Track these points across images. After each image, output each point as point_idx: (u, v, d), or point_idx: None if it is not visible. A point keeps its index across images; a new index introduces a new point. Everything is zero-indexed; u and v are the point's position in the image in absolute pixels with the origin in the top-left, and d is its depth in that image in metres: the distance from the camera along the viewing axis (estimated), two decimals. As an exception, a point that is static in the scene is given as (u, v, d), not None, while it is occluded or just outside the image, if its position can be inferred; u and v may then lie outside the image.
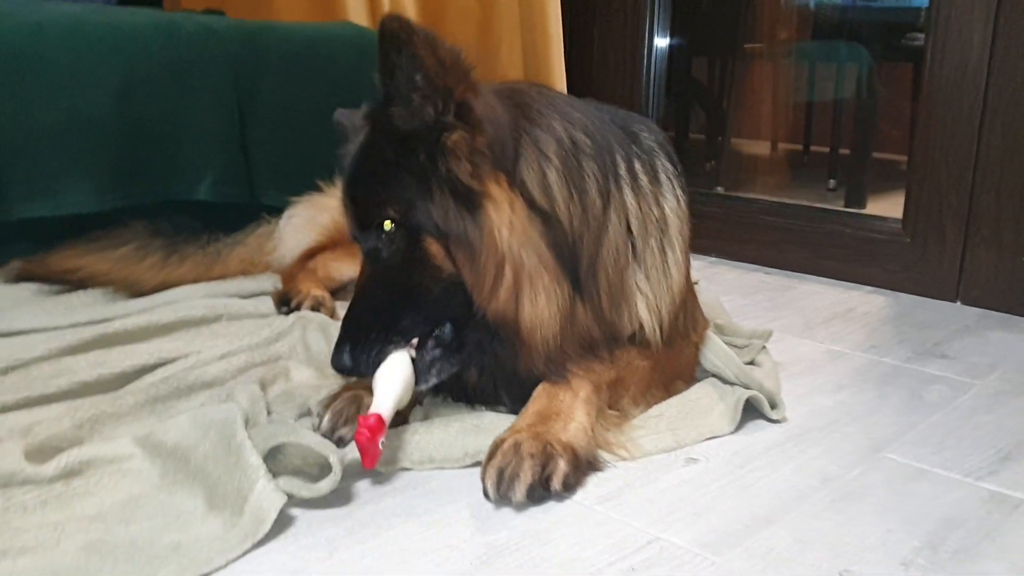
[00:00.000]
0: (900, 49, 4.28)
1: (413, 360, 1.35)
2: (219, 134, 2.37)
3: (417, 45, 1.23)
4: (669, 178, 1.56)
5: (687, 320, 1.62)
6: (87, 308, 1.97)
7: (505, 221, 1.30)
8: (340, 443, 1.36)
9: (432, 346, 1.38)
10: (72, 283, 2.09)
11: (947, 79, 2.45)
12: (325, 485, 1.20)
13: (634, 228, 1.48)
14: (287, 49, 2.53)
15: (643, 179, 1.52)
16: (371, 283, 1.38)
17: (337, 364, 1.34)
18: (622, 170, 1.48)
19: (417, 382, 1.36)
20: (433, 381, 1.40)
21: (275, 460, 1.24)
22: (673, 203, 1.54)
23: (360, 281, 1.41)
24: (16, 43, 2.08)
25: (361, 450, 1.21)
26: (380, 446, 1.23)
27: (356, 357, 1.32)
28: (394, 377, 1.31)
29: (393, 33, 1.22)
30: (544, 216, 1.34)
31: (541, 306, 1.34)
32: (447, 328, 1.38)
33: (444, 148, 1.29)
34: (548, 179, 1.36)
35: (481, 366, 1.43)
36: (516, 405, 1.43)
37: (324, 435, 1.37)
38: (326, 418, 1.40)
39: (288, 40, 2.54)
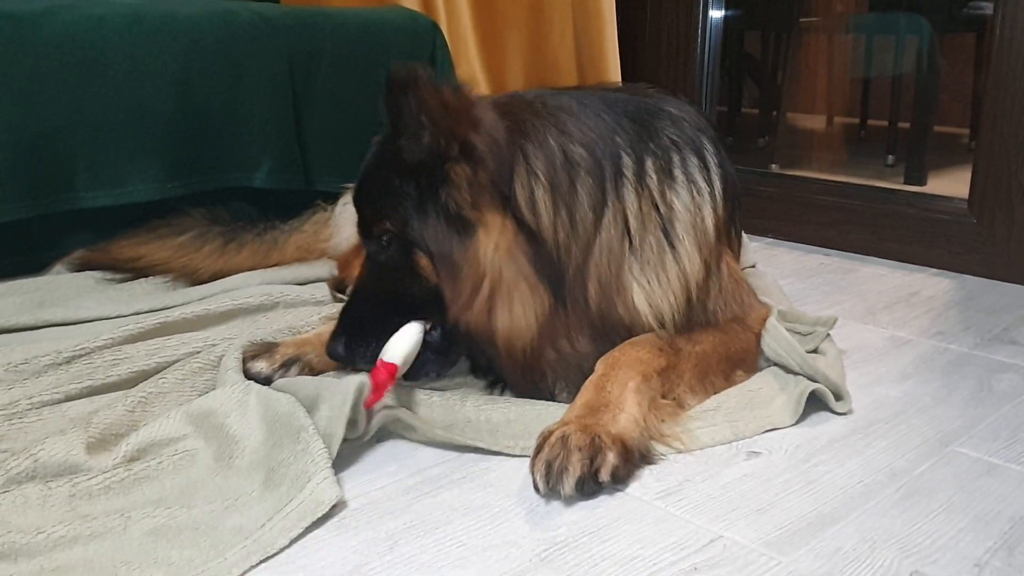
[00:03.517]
0: (962, 18, 4.14)
1: (425, 334, 1.47)
2: (275, 121, 2.38)
3: (422, 90, 1.33)
4: (688, 174, 1.56)
5: (726, 304, 1.61)
6: (149, 296, 2.00)
7: (492, 244, 1.39)
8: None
9: (423, 349, 1.47)
10: (133, 271, 2.13)
11: (1016, 50, 2.36)
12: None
13: (632, 227, 1.50)
14: (340, 35, 2.53)
15: (652, 178, 1.52)
16: (368, 282, 1.52)
17: (331, 351, 1.50)
18: (629, 172, 1.50)
19: (407, 378, 1.47)
20: (423, 380, 1.52)
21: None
22: (686, 198, 1.54)
23: (360, 276, 1.55)
24: (80, 37, 2.11)
25: (374, 386, 1.36)
26: (385, 393, 1.38)
27: (350, 348, 1.48)
28: (405, 342, 1.43)
29: (401, 79, 1.33)
30: (529, 233, 1.41)
31: (517, 315, 1.42)
32: (437, 333, 1.48)
33: (446, 178, 1.38)
34: (535, 196, 1.42)
35: (478, 367, 1.58)
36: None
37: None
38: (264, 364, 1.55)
39: (341, 27, 2.55)
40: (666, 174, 1.54)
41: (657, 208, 1.51)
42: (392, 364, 1.39)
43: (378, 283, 1.50)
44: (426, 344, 1.48)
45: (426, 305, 1.45)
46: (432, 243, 1.40)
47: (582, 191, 1.45)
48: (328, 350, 1.50)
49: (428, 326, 1.47)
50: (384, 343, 1.43)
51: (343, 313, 1.52)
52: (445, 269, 1.41)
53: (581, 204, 1.45)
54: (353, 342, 1.48)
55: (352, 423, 1.32)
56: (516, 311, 1.41)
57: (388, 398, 1.41)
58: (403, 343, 1.42)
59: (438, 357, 1.51)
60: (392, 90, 1.34)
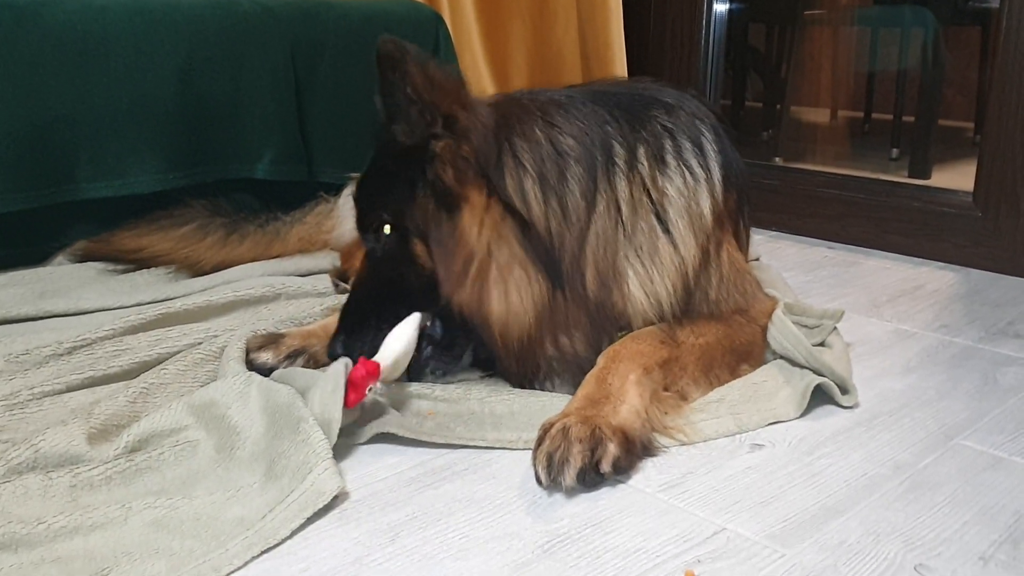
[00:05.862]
0: (968, 12, 4.12)
1: (422, 329, 1.46)
2: (277, 112, 2.37)
3: (408, 63, 1.35)
4: (680, 158, 1.56)
5: (728, 294, 1.60)
6: (150, 287, 2.00)
7: (477, 220, 1.40)
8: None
9: (425, 344, 1.49)
10: (135, 262, 2.12)
11: (1022, 44, 2.34)
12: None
13: (624, 214, 1.50)
14: (343, 26, 2.52)
15: (643, 164, 1.53)
16: (367, 278, 1.53)
17: (330, 351, 1.51)
18: (620, 160, 1.51)
19: (411, 377, 1.49)
20: (429, 379, 1.53)
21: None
22: (679, 183, 1.54)
23: (359, 273, 1.56)
24: (82, 27, 2.10)
25: (351, 384, 1.32)
26: (367, 391, 1.34)
27: (349, 345, 1.47)
28: (399, 340, 1.41)
29: (388, 54, 1.34)
30: (520, 220, 1.42)
31: (514, 299, 1.42)
32: (437, 325, 1.49)
33: (432, 154, 1.39)
34: (524, 187, 1.43)
35: (479, 361, 1.56)
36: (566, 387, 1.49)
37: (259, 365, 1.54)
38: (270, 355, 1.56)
39: (344, 17, 2.54)
40: (657, 160, 1.54)
41: (649, 194, 1.51)
42: (373, 362, 1.36)
43: (376, 277, 1.51)
44: (427, 338, 1.48)
45: (424, 294, 1.45)
46: (423, 223, 1.42)
47: (572, 180, 1.46)
48: (328, 350, 1.52)
49: (428, 320, 1.47)
50: (384, 337, 1.42)
51: (343, 313, 1.54)
52: (436, 249, 1.42)
53: (572, 193, 1.45)
54: (351, 339, 1.48)
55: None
56: (512, 296, 1.41)
57: (383, 400, 1.41)
58: (396, 341, 1.41)
59: (441, 352, 1.51)
60: (382, 66, 1.35)
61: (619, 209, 1.49)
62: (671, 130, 1.57)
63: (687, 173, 1.55)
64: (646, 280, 1.50)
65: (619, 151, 1.51)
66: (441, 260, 1.42)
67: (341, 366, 1.34)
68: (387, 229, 1.46)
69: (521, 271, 1.41)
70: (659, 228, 1.51)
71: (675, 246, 1.51)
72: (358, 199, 1.54)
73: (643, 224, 1.50)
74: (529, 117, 1.48)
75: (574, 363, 1.49)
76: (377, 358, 1.38)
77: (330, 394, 1.30)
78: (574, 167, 1.46)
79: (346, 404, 1.31)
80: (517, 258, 1.41)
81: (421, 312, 1.46)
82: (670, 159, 1.55)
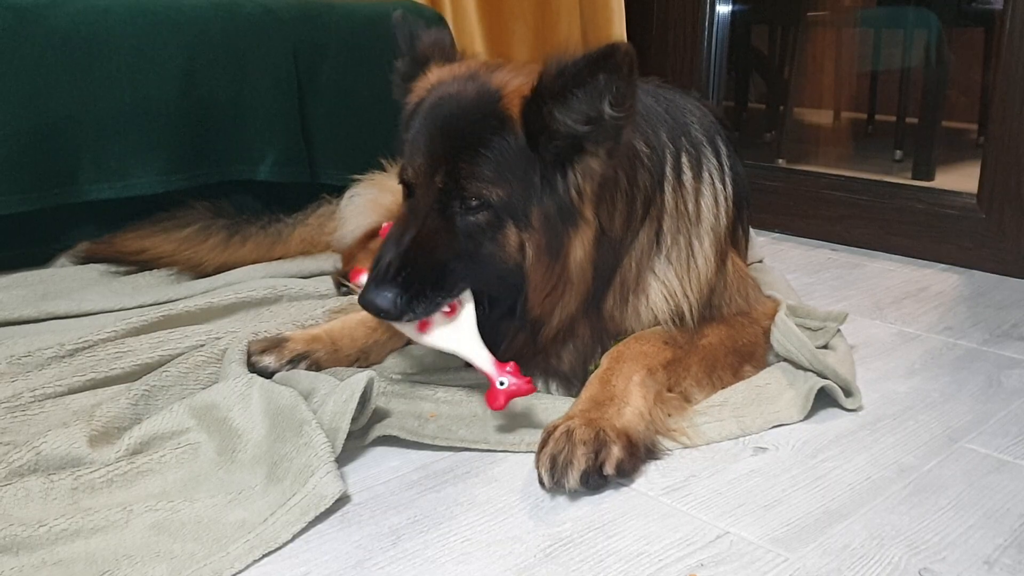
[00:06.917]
0: (971, 13, 4.11)
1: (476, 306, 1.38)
2: (279, 114, 2.38)
3: (631, 83, 1.27)
4: (711, 173, 1.57)
5: (731, 299, 1.61)
6: (153, 289, 2.00)
7: (584, 244, 1.37)
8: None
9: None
10: (138, 264, 2.12)
11: (1027, 45, 2.34)
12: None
13: (665, 225, 1.50)
14: (346, 28, 2.52)
15: (687, 175, 1.54)
16: (425, 236, 1.34)
17: (377, 303, 1.29)
18: (668, 168, 1.50)
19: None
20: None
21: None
22: (710, 200, 1.55)
23: (407, 227, 1.35)
24: (84, 29, 2.11)
25: (520, 394, 1.31)
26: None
27: (406, 307, 1.30)
28: (475, 332, 1.36)
29: (621, 61, 1.24)
30: (604, 237, 1.40)
31: (558, 313, 1.42)
32: (485, 304, 1.39)
33: (583, 165, 1.34)
34: (616, 199, 1.41)
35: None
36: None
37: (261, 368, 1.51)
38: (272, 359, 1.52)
39: (347, 19, 2.54)
40: (697, 174, 1.54)
41: (687, 206, 1.52)
42: (527, 377, 1.32)
43: (443, 242, 1.34)
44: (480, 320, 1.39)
45: (494, 279, 1.37)
46: (537, 223, 1.33)
47: (639, 190, 1.44)
48: (375, 301, 1.29)
49: (477, 301, 1.38)
50: (429, 304, 1.31)
51: (398, 262, 1.32)
52: (538, 254, 1.35)
53: (637, 201, 1.44)
54: (413, 301, 1.30)
55: (354, 419, 1.31)
56: (559, 311, 1.42)
57: (382, 401, 1.41)
58: (472, 331, 1.35)
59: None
60: (601, 63, 1.25)
61: (661, 220, 1.49)
62: (702, 142, 1.58)
63: (714, 189, 1.56)
64: (672, 292, 1.49)
65: (669, 158, 1.50)
66: (541, 269, 1.36)
67: (364, 378, 1.30)
68: (481, 202, 1.32)
69: (575, 292, 1.40)
70: (693, 242, 1.51)
71: (697, 260, 1.51)
72: (446, 151, 1.34)
73: (681, 238, 1.51)
74: None
75: (556, 373, 1.51)
76: (478, 356, 1.33)
77: (343, 404, 1.29)
78: (644, 175, 1.45)
79: (496, 407, 1.31)
80: (584, 280, 1.40)
81: (469, 289, 1.37)
82: (704, 173, 1.56)
